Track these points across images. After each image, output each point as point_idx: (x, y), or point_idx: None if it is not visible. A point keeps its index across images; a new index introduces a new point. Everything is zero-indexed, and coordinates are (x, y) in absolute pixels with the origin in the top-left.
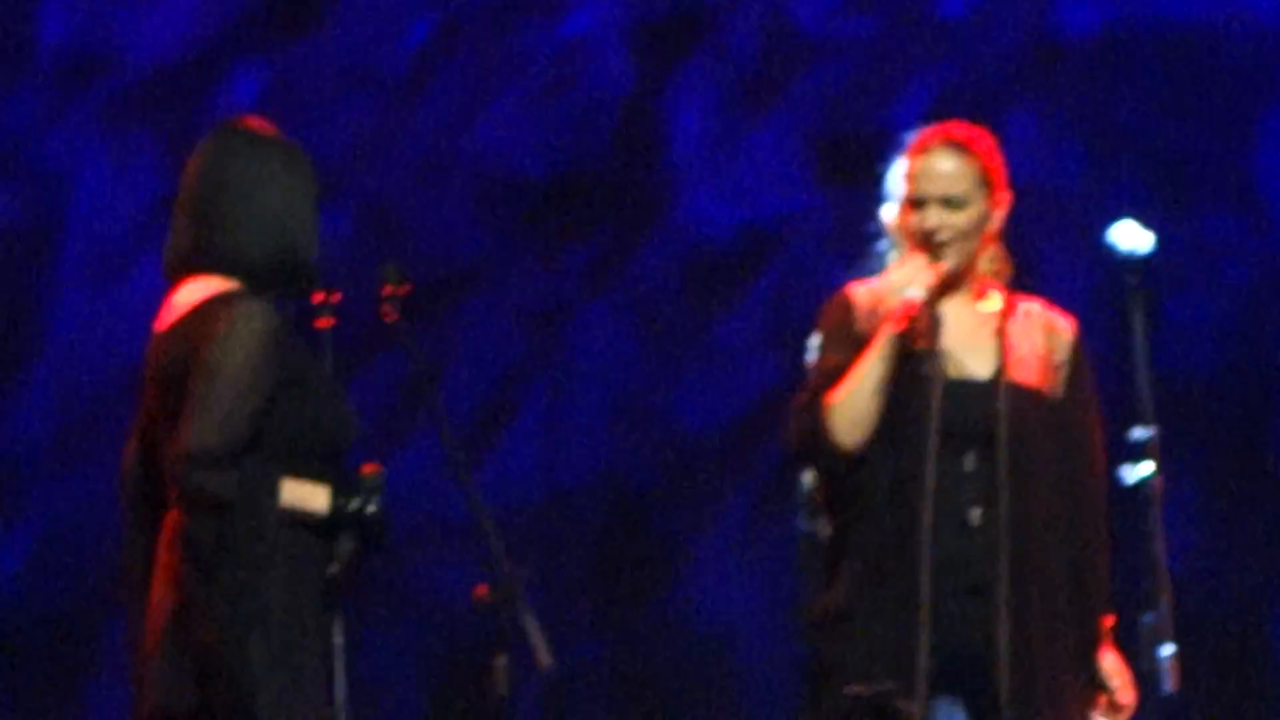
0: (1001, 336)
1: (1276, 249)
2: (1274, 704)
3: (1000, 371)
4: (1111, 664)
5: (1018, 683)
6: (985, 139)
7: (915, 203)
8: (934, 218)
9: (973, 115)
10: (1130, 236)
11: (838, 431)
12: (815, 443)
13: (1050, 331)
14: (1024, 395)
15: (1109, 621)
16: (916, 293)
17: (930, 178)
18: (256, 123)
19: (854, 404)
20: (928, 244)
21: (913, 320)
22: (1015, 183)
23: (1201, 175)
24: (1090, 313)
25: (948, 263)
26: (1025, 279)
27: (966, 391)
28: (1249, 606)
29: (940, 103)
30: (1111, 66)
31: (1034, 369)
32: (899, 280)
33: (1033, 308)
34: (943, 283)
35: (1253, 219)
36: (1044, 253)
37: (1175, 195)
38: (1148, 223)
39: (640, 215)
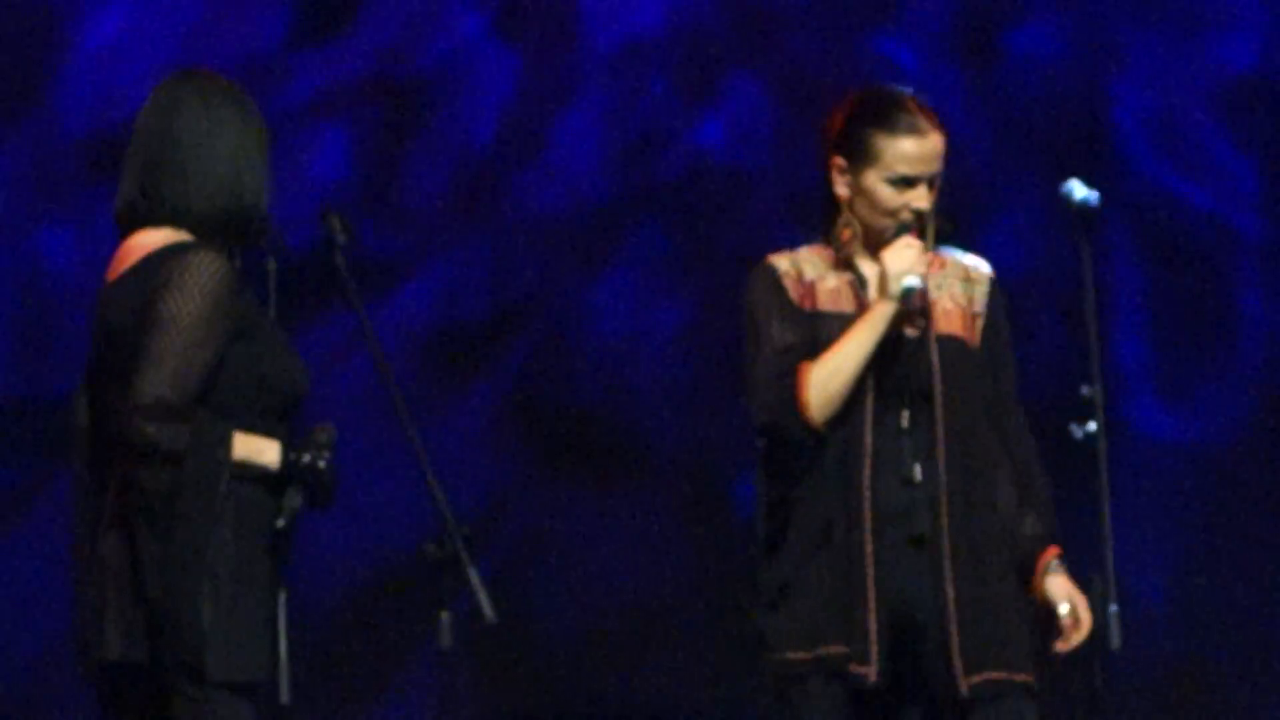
0: (925, 290)
1: None
2: None
3: (928, 326)
4: (1059, 588)
5: (967, 638)
6: None
7: (906, 181)
8: (925, 198)
9: None
10: (1081, 190)
11: (815, 408)
12: (790, 418)
13: (966, 280)
14: (952, 347)
15: (1053, 551)
16: (916, 280)
17: (927, 160)
18: (208, 73)
19: (838, 383)
20: (913, 223)
21: (923, 310)
22: None
23: None
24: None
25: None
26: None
27: (897, 349)
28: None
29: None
30: None
31: (956, 319)
32: (897, 267)
33: (949, 257)
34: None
35: None
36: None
37: None
38: None
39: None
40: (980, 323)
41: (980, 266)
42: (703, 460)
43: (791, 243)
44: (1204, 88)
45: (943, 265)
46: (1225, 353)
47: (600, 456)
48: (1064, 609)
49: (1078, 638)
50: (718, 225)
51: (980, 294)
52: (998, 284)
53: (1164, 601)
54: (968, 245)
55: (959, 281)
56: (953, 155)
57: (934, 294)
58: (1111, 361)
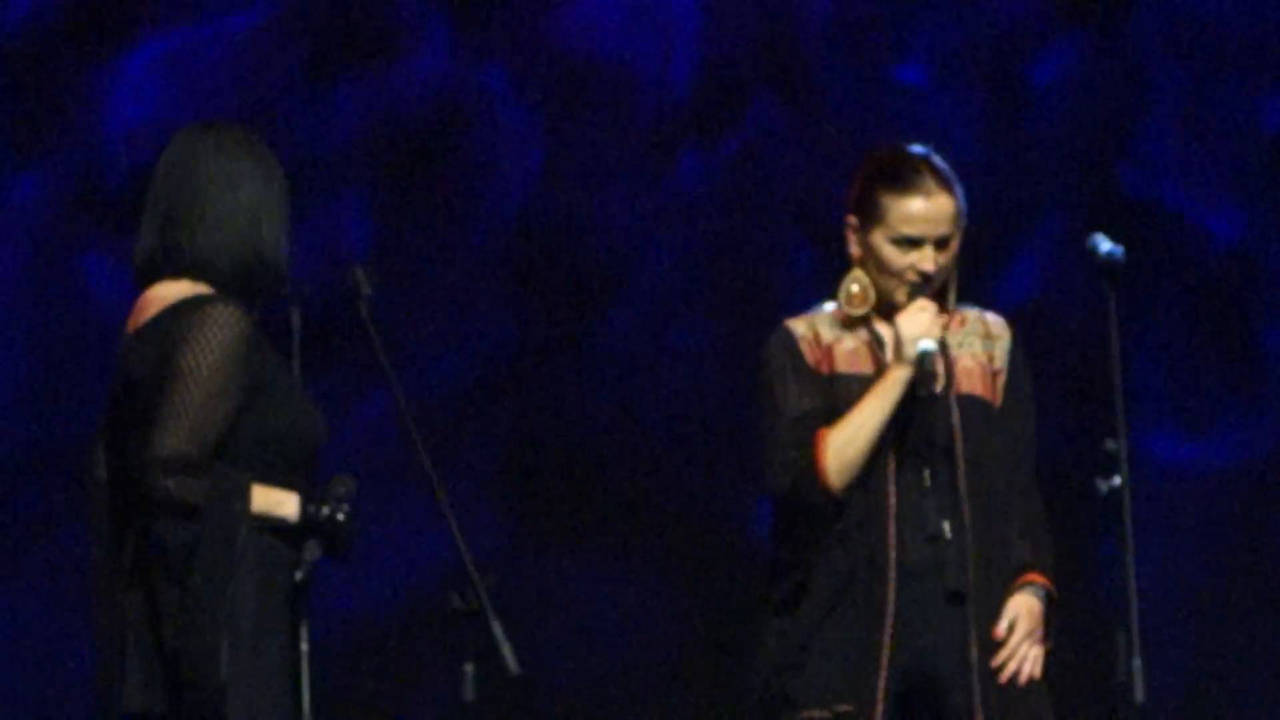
0: (944, 349)
1: None
2: None
3: (949, 385)
4: (1012, 604)
5: (989, 699)
6: (951, 170)
7: (911, 242)
8: (930, 260)
9: None
10: (1106, 244)
11: (833, 474)
12: (808, 485)
13: (987, 338)
14: (972, 406)
15: (1031, 575)
16: (930, 345)
17: (932, 221)
18: (227, 123)
19: (855, 449)
20: (919, 285)
21: (934, 374)
22: None
23: None
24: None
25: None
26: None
27: (918, 408)
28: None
29: None
30: None
31: (977, 378)
32: (912, 331)
33: (968, 314)
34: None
35: None
36: None
37: None
38: None
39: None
40: (1001, 380)
41: (1000, 321)
42: (704, 516)
43: (810, 274)
44: (1228, 117)
45: (963, 322)
46: (1249, 382)
47: (600, 513)
48: (1002, 624)
49: (1002, 654)
50: (730, 266)
51: (1000, 350)
52: (1017, 339)
53: (1187, 640)
54: (985, 277)
55: (979, 339)
56: (971, 185)
57: (955, 352)
58: (1133, 389)
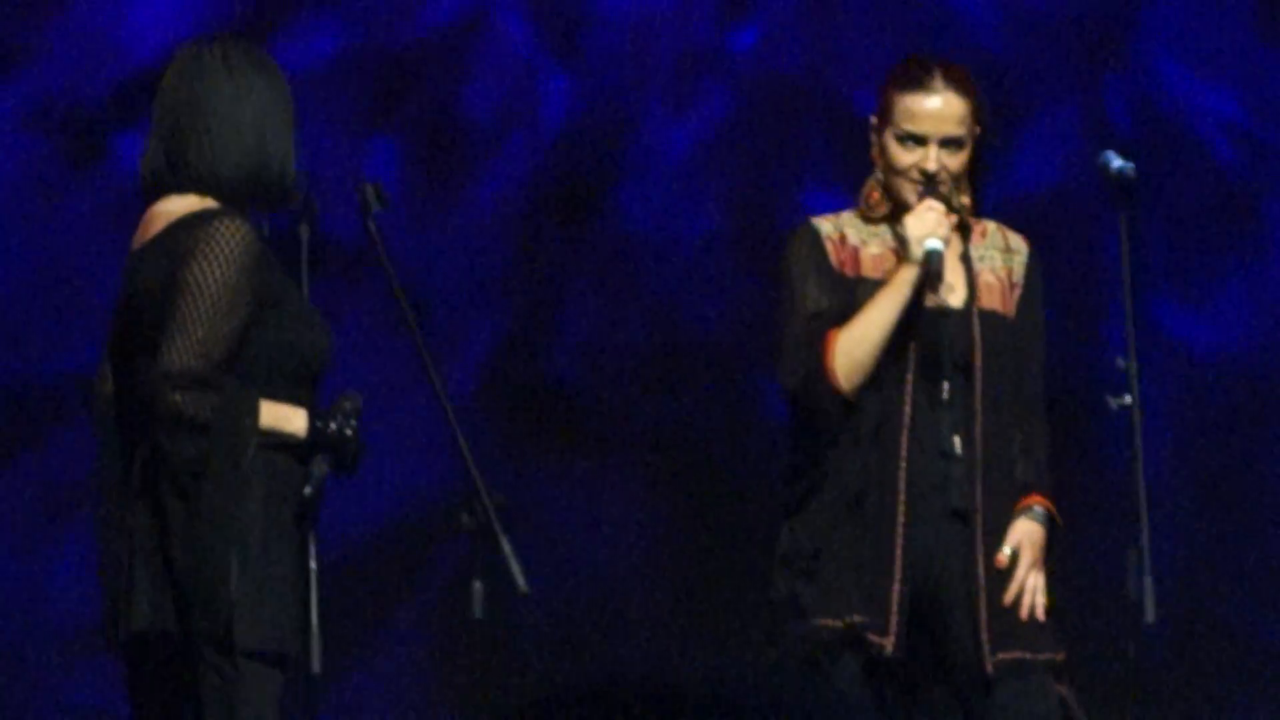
0: (968, 262)
1: None
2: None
3: (972, 299)
4: (1015, 531)
5: (995, 615)
6: (971, 77)
7: (915, 139)
8: (934, 160)
9: None
10: (1118, 159)
11: (842, 375)
12: (816, 385)
13: (1007, 251)
14: (992, 321)
15: (1033, 499)
16: (937, 244)
17: (935, 119)
18: (232, 36)
19: (864, 350)
20: (926, 184)
21: (939, 275)
22: None
23: None
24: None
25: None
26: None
27: (942, 321)
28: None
29: None
30: None
31: (996, 293)
32: (918, 231)
33: (989, 225)
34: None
35: None
36: None
37: None
38: None
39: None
40: (1018, 294)
41: (1019, 237)
42: (673, 432)
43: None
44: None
45: (984, 234)
46: (1252, 260)
47: (572, 431)
48: (1005, 551)
49: (1012, 589)
50: (742, 165)
51: (1019, 264)
52: (1035, 255)
53: (1188, 523)
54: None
55: (999, 253)
56: (980, 78)
57: (976, 266)
58: (1138, 265)
